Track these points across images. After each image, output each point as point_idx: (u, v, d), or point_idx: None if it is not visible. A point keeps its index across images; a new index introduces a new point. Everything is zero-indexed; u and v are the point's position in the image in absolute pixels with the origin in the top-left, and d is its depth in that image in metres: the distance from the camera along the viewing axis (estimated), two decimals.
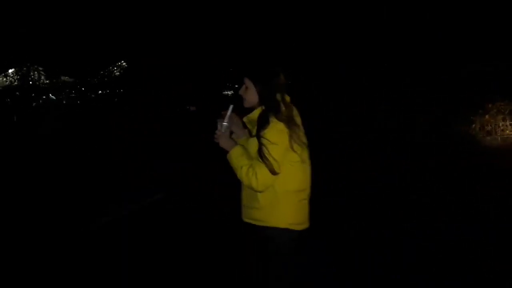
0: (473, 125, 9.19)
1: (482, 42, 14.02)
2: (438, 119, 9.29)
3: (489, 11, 14.07)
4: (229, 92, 17.16)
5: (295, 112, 2.07)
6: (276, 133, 1.95)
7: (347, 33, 16.14)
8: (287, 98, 2.08)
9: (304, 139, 2.06)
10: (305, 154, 2.07)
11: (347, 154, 7.26)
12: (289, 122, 1.99)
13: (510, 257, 3.28)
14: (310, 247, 3.59)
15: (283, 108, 2.02)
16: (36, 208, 4.92)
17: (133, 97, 15.82)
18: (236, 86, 16.77)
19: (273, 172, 1.97)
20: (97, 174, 6.56)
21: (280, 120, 1.96)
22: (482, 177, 5.52)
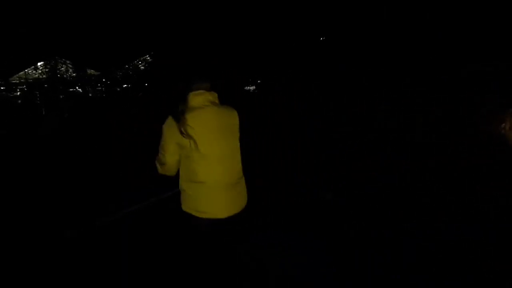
0: (503, 124, 8.74)
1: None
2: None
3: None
4: (251, 87, 17.09)
5: (205, 111, 2.30)
6: (166, 128, 2.27)
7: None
8: (199, 98, 2.31)
9: (210, 134, 2.28)
10: (212, 149, 2.28)
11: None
12: (182, 118, 2.25)
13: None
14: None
15: (181, 107, 2.29)
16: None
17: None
18: (259, 81, 16.76)
19: (159, 161, 2.33)
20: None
21: (173, 116, 2.26)
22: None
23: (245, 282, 2.87)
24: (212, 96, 2.36)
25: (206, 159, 2.27)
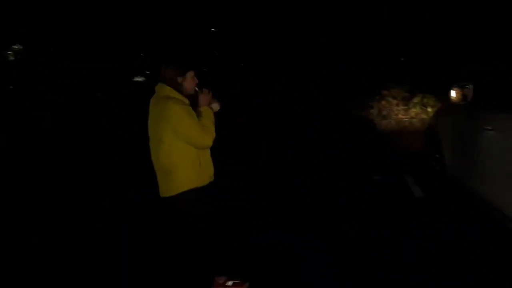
0: (371, 110, 10.57)
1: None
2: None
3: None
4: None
5: (152, 101, 2.69)
6: None
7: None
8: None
9: (149, 121, 2.66)
10: (149, 132, 2.66)
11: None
12: None
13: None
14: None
15: None
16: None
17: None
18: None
19: None
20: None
21: None
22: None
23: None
24: (157, 87, 2.66)
25: (152, 142, 2.66)
